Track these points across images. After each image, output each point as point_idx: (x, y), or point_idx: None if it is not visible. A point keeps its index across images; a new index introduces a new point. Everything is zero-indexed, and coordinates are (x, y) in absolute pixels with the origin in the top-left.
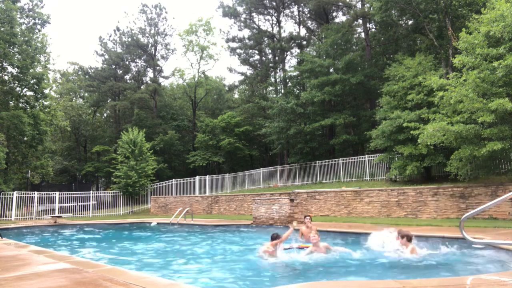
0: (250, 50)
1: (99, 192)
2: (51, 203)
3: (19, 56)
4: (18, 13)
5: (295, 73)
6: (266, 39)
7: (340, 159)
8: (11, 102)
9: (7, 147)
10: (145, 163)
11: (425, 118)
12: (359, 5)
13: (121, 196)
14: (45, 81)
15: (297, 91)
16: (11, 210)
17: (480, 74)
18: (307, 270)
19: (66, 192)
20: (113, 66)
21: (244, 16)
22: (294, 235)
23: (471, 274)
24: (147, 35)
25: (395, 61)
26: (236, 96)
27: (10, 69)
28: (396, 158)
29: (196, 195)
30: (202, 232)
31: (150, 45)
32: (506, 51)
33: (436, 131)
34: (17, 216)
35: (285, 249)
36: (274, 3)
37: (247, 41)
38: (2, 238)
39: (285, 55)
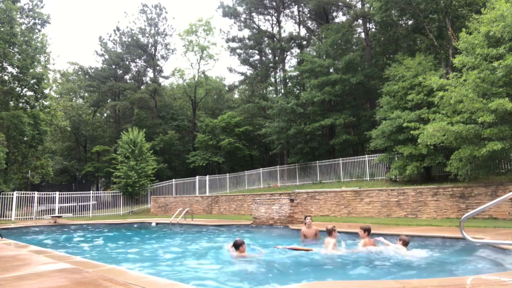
0: (250, 50)
1: (99, 192)
2: (51, 203)
3: (19, 56)
4: (18, 13)
5: (295, 73)
6: (266, 39)
7: (340, 159)
8: (11, 102)
9: (7, 147)
10: (145, 163)
11: (425, 118)
12: (359, 5)
13: (121, 196)
14: (45, 81)
15: (297, 91)
16: (11, 210)
17: (480, 74)
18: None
19: (66, 192)
20: (113, 66)
21: (244, 16)
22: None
23: (471, 274)
24: (147, 35)
25: (395, 61)
26: (236, 96)
27: (10, 69)
28: (396, 158)
29: (196, 195)
30: (201, 232)
31: (150, 45)
32: (506, 51)
33: (436, 131)
34: (17, 216)
35: (276, 247)
36: (274, 3)
37: (247, 41)
38: (2, 238)
39: (285, 55)
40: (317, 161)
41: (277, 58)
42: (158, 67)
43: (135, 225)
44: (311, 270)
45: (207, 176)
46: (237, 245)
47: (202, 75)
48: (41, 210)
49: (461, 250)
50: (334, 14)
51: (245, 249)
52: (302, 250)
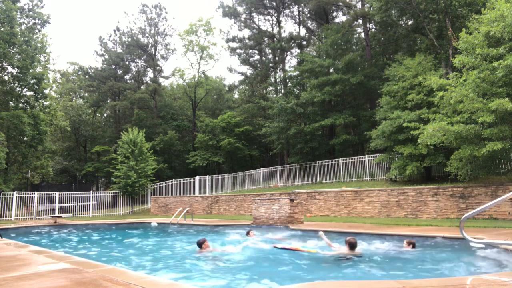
0: (250, 50)
1: (99, 192)
2: (51, 203)
3: (19, 56)
4: (18, 13)
5: (295, 73)
6: (266, 39)
7: (340, 159)
8: (11, 102)
9: (7, 147)
10: (145, 163)
11: (425, 118)
12: (359, 5)
13: (121, 196)
14: (45, 81)
15: (297, 91)
16: (11, 210)
17: (480, 74)
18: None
19: (66, 192)
20: (113, 66)
21: (244, 16)
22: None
23: (471, 274)
24: (147, 35)
25: (395, 61)
26: (236, 96)
27: (10, 69)
28: (396, 158)
29: (196, 195)
30: (201, 232)
31: (150, 45)
32: (506, 51)
33: (436, 131)
34: (17, 216)
35: (275, 247)
36: (274, 3)
37: (247, 41)
38: (2, 238)
39: (285, 55)
40: (317, 161)
41: (277, 58)
42: (158, 67)
43: (135, 225)
44: (309, 269)
45: (207, 176)
46: (199, 244)
47: (202, 75)
48: (41, 210)
49: (461, 250)
50: (334, 14)
51: (208, 246)
52: (305, 251)
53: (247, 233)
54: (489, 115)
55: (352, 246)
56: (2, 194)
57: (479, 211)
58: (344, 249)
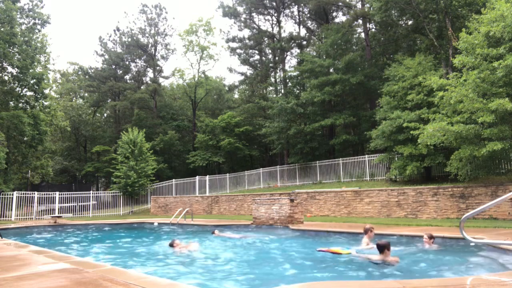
0: (250, 50)
1: (99, 192)
2: (51, 203)
3: (19, 56)
4: (18, 13)
5: (295, 73)
6: (266, 39)
7: (340, 159)
8: (11, 102)
9: (7, 147)
10: (145, 163)
11: (425, 118)
12: (359, 5)
13: (121, 196)
14: (45, 81)
15: (297, 91)
16: (11, 210)
17: (480, 74)
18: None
19: (66, 192)
20: (113, 66)
21: (244, 16)
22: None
23: (471, 274)
24: (147, 35)
25: (395, 61)
26: (236, 96)
27: (10, 69)
28: (396, 158)
29: (196, 195)
30: (201, 232)
31: (150, 45)
32: (506, 51)
33: (436, 131)
34: (17, 216)
35: (318, 250)
36: (274, 3)
37: (247, 41)
38: (2, 238)
39: (285, 55)
40: (317, 161)
41: (277, 58)
42: (158, 67)
43: (135, 225)
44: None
45: (207, 176)
46: (171, 245)
47: (202, 75)
48: (41, 210)
49: (461, 250)
50: (334, 14)
51: (179, 244)
52: (341, 253)
53: (213, 232)
54: (489, 115)
55: (378, 247)
56: (2, 194)
57: (479, 211)
58: (377, 256)
